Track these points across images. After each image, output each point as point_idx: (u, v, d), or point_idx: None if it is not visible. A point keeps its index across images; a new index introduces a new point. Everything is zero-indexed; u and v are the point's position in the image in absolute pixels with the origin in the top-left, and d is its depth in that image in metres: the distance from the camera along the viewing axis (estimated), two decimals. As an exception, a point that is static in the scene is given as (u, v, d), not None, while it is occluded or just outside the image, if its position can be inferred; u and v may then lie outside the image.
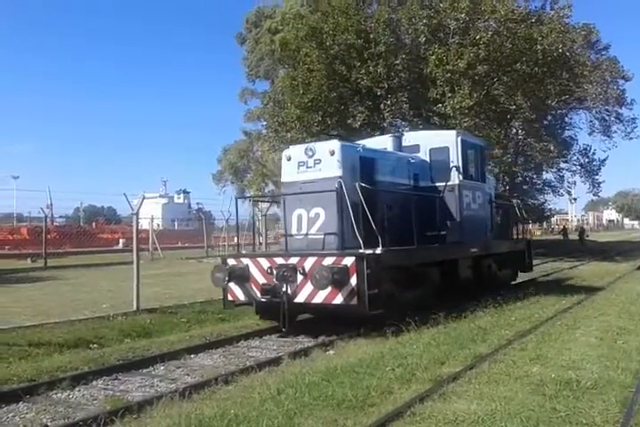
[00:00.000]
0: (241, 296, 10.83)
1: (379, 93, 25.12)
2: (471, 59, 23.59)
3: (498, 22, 24.45)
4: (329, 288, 9.55)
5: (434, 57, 24.14)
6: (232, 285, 10.85)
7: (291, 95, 25.79)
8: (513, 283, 17.30)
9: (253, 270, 10.65)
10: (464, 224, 13.23)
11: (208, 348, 9.57)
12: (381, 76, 24.72)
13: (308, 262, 10.04)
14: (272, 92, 30.56)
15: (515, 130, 32.02)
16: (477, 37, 24.08)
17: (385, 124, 25.17)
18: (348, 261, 9.72)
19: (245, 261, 10.86)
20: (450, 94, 23.91)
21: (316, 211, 10.84)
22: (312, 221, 10.86)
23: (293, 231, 11.10)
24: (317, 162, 11.00)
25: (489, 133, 25.34)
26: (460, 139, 13.33)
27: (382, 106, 25.08)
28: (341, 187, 10.43)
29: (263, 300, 10.40)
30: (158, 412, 5.99)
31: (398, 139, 13.82)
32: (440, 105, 24.37)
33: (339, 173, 10.72)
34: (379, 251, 9.98)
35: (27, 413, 6.48)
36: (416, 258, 11.30)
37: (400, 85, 25.53)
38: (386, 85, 25.06)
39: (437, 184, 13.19)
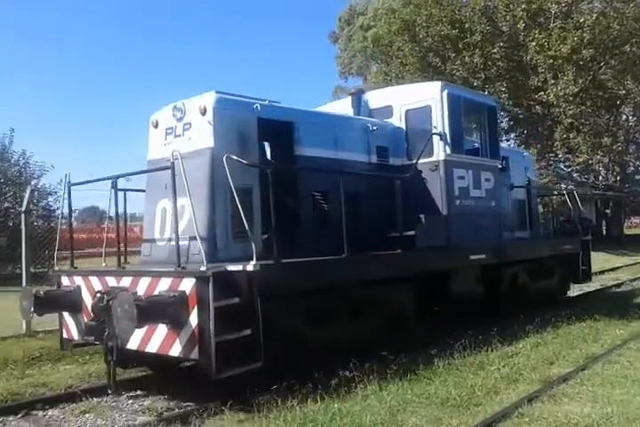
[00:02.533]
0: (75, 334, 7.22)
1: (475, 84, 24.46)
2: (575, 43, 23.06)
3: (604, 3, 24.35)
4: (162, 330, 5.85)
5: (534, 43, 23.67)
6: (66, 316, 7.29)
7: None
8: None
9: (85, 295, 7.00)
10: (455, 219, 8.93)
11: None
12: (478, 66, 24.38)
13: (142, 285, 6.31)
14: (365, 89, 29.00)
15: (625, 116, 31.43)
16: (581, 20, 23.56)
17: None
18: (187, 284, 5.88)
19: (78, 280, 7.24)
20: (552, 81, 23.56)
21: (181, 202, 7.04)
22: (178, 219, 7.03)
23: (155, 234, 7.35)
24: (187, 127, 7.20)
25: (596, 121, 25.52)
26: (446, 93, 8.97)
27: None
28: (212, 164, 6.63)
29: (86, 342, 6.79)
30: None
31: (358, 98, 9.64)
32: (542, 93, 23.95)
33: (210, 142, 6.88)
34: (251, 266, 6.01)
35: None
36: (342, 275, 7.10)
37: (498, 75, 25.15)
38: (483, 76, 24.74)
39: (419, 161, 9.02)
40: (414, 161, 8.87)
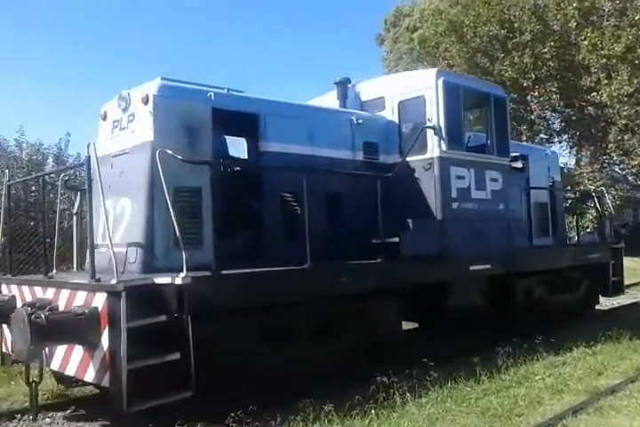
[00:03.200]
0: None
1: (525, 85, 24.34)
2: (630, 41, 22.37)
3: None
4: (79, 351, 5.09)
5: (586, 42, 23.00)
6: (5, 328, 6.55)
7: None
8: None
9: (19, 306, 6.24)
10: (451, 224, 7.85)
11: None
12: (527, 66, 23.94)
13: (62, 298, 5.51)
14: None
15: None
16: (637, 17, 22.96)
17: (533, 117, 24.48)
18: (99, 300, 5.03)
19: (14, 289, 6.49)
20: (606, 81, 22.85)
21: (122, 204, 6.22)
22: (117, 222, 6.22)
23: (98, 238, 6.55)
24: (131, 119, 6.35)
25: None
26: (442, 81, 7.89)
27: (529, 98, 24.73)
28: (151, 161, 5.80)
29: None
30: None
31: (344, 88, 8.63)
32: (595, 93, 23.36)
33: (150, 135, 6.03)
34: (179, 279, 5.11)
35: None
36: (302, 289, 6.06)
37: (549, 75, 24.59)
38: (533, 76, 24.23)
39: (411, 159, 8.01)
40: (408, 158, 7.88)
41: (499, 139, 8.70)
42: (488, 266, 8.24)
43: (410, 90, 8.17)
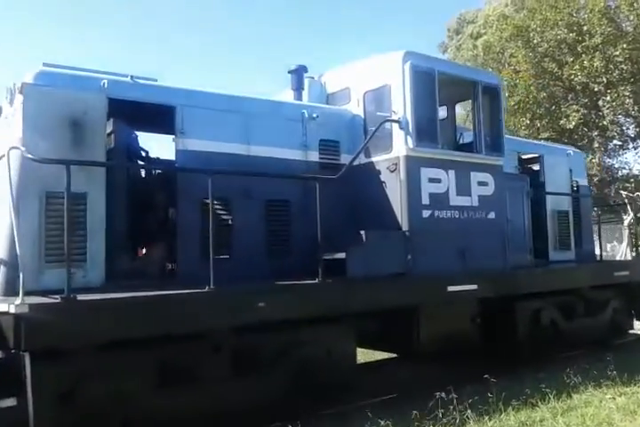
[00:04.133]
0: None
1: (596, 89, 23.18)
2: None
3: None
4: None
5: None
6: None
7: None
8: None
9: None
10: (421, 237, 6.51)
11: None
12: (598, 70, 22.77)
13: None
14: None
15: None
16: None
17: (605, 123, 23.21)
18: None
19: None
20: None
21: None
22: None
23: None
24: (14, 113, 5.41)
25: None
26: (409, 66, 6.55)
27: (601, 102, 23.26)
28: (20, 163, 4.83)
29: None
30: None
31: (298, 77, 7.40)
32: None
33: (18, 133, 5.05)
34: (13, 307, 4.06)
35: None
36: (202, 318, 4.87)
37: (621, 78, 23.27)
38: (604, 80, 23.04)
39: (375, 159, 6.78)
40: (373, 158, 6.64)
41: (490, 135, 7.32)
42: (473, 287, 6.86)
43: (376, 78, 6.90)
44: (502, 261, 7.34)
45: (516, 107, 23.54)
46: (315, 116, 6.70)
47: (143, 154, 6.25)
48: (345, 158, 6.87)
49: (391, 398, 6.48)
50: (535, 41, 23.96)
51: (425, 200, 6.58)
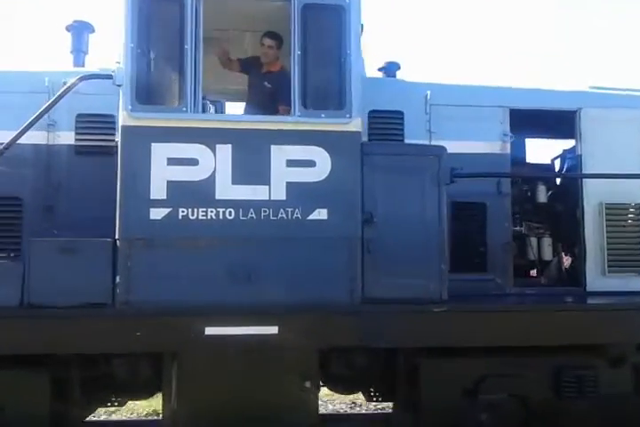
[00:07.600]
0: None
1: None
2: None
3: None
4: None
5: None
6: None
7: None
8: None
9: None
10: (149, 249, 4.18)
11: None
12: None
13: None
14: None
15: None
16: None
17: None
18: None
19: None
20: None
21: None
22: None
23: None
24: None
25: None
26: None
27: None
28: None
29: None
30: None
31: (78, 35, 5.31)
32: None
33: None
34: None
35: None
36: None
37: None
38: None
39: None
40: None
41: (326, 81, 4.48)
42: (271, 330, 4.28)
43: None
44: (347, 290, 4.45)
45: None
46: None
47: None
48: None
49: None
50: None
51: (158, 193, 4.20)
